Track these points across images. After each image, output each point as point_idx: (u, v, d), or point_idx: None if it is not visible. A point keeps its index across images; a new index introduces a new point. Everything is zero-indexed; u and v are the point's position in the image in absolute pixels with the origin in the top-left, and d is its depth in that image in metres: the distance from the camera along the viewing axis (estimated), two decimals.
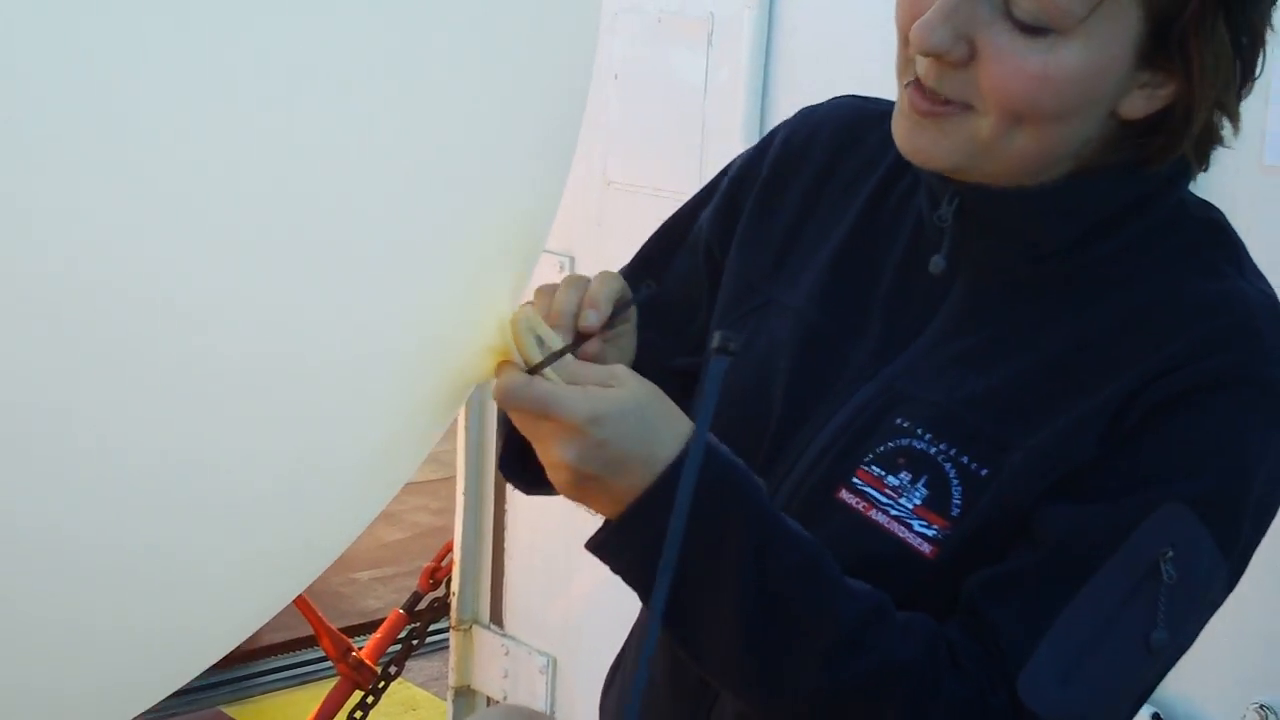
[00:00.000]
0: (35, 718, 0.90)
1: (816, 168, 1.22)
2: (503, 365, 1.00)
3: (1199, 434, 1.00)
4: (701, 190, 1.34)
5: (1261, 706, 1.90)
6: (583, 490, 0.99)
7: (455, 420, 3.36)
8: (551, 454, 0.98)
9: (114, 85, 0.68)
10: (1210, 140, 1.05)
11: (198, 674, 1.07)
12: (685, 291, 1.30)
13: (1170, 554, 0.97)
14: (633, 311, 1.18)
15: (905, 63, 1.05)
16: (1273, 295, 1.04)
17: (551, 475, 1.00)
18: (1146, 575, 0.98)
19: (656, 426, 0.99)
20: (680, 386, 1.26)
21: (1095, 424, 1.01)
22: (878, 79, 2.47)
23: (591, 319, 1.07)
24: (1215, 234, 1.07)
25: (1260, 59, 1.03)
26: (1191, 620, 1.02)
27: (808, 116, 1.28)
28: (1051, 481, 1.02)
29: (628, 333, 1.19)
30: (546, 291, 1.10)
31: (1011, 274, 1.07)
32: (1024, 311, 1.07)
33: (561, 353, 1.02)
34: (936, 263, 1.09)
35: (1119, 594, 0.99)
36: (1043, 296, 1.06)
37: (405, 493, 5.09)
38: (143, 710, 1.03)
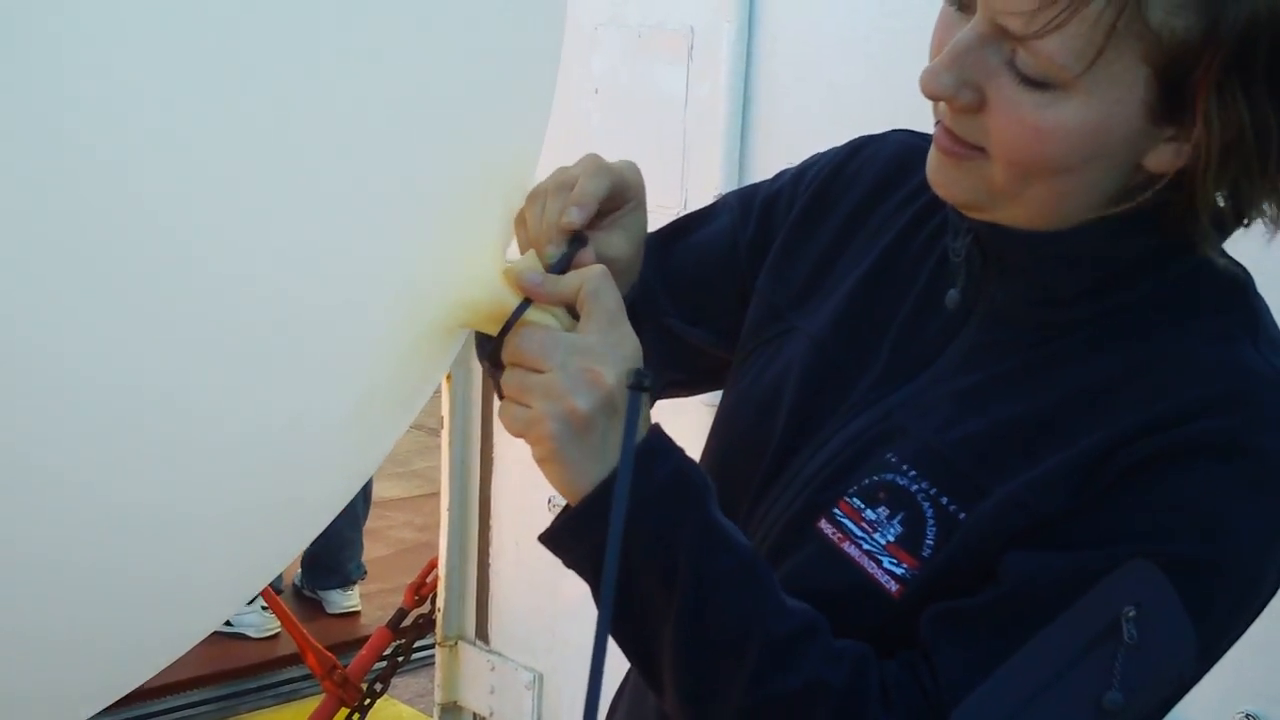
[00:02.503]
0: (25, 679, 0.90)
1: (858, 200, 1.21)
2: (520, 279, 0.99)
3: (1179, 496, 0.96)
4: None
5: (1247, 716, 1.90)
6: (585, 429, 0.96)
7: (440, 436, 3.36)
8: (593, 373, 0.95)
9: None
10: (1247, 201, 1.00)
11: (199, 637, 1.06)
12: (698, 263, 1.29)
13: (1133, 613, 0.93)
14: (640, 190, 1.16)
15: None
16: None
17: (570, 400, 0.95)
18: (1106, 632, 0.94)
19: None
20: (666, 342, 1.27)
21: (1070, 476, 0.98)
22: (856, 91, 2.48)
23: (574, 215, 1.05)
24: (1234, 297, 1.03)
25: None
26: (1150, 688, 0.96)
27: (862, 147, 1.25)
28: (1018, 530, 0.99)
29: (633, 210, 1.16)
30: (536, 198, 1.07)
31: (1024, 316, 1.06)
32: (1032, 355, 1.04)
33: (565, 259, 1.02)
34: (952, 296, 1.09)
35: (1074, 648, 0.95)
36: (1053, 341, 1.04)
37: (389, 509, 5.10)
38: (145, 677, 1.03)
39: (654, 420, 1.01)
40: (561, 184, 1.09)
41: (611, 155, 1.14)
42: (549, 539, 1.01)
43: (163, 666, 1.04)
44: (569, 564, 1.01)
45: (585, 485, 0.97)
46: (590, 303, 0.98)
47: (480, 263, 0.99)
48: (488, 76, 0.94)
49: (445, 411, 3.26)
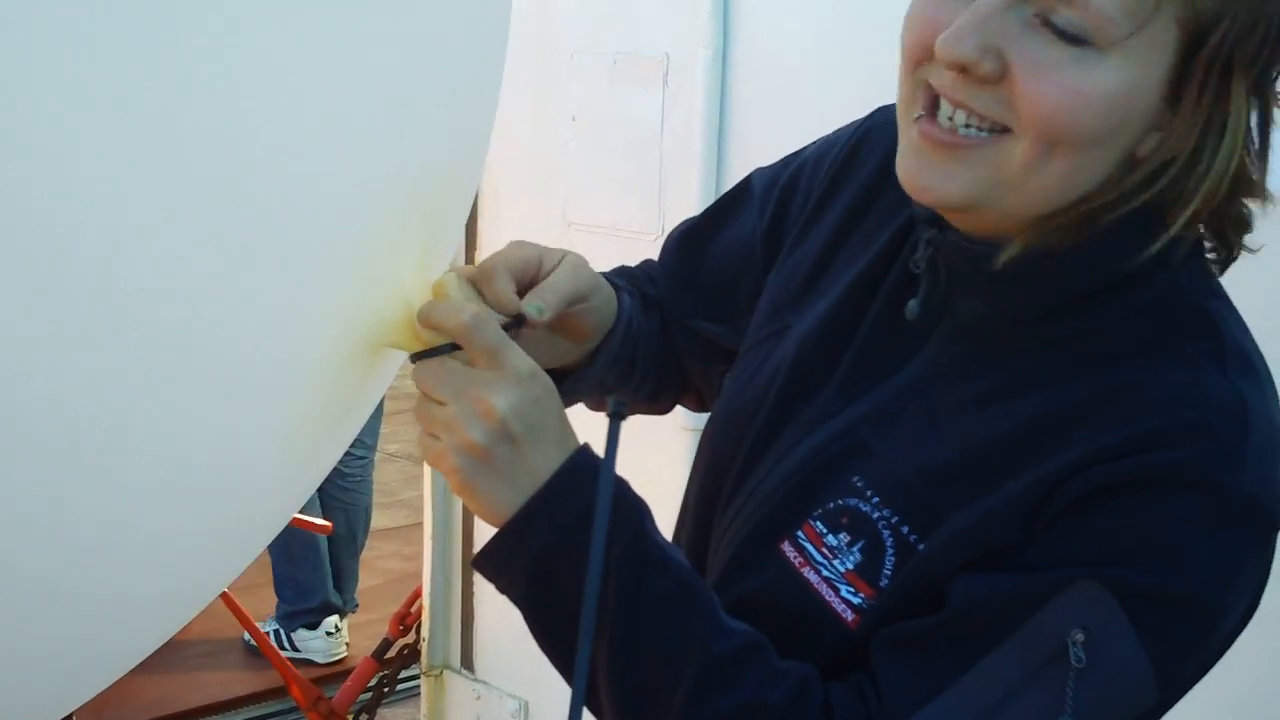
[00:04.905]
0: None
1: (859, 190, 1.17)
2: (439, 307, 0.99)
3: (1133, 524, 0.94)
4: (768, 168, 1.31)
5: None
6: (487, 460, 0.96)
7: (422, 464, 3.35)
8: (483, 404, 0.95)
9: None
10: (1229, 220, 0.99)
11: (150, 649, 1.06)
12: (724, 262, 1.28)
13: (1081, 637, 0.91)
14: (600, 296, 1.19)
15: (912, 94, 0.98)
16: (1248, 396, 0.96)
17: (465, 434, 0.96)
18: (1053, 656, 0.92)
19: (563, 415, 1.00)
20: (697, 342, 1.29)
21: (1024, 503, 0.96)
22: (832, 115, 2.50)
23: (533, 314, 1.07)
24: (1200, 324, 1.00)
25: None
26: (1103, 714, 0.94)
27: (870, 130, 1.20)
28: (971, 558, 0.97)
29: (588, 316, 1.19)
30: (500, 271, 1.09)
31: (988, 333, 1.03)
32: (999, 377, 1.02)
33: (513, 324, 1.04)
34: (911, 307, 1.07)
35: (1023, 671, 0.93)
36: (1020, 361, 1.01)
37: (377, 539, 5.05)
38: (112, 679, 1.03)
39: (584, 439, 1.01)
40: (527, 263, 1.11)
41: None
42: (480, 563, 1.00)
43: (102, 687, 1.04)
44: (501, 589, 1.01)
45: (503, 512, 0.98)
46: (469, 340, 0.97)
47: (402, 282, 0.99)
48: (418, 104, 0.94)
49: None
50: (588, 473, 0.97)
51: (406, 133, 0.94)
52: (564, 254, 1.15)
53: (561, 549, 0.96)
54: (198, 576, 1.02)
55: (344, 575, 4.58)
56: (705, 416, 1.25)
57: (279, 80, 0.81)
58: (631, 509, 0.99)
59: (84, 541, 0.85)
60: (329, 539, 4.30)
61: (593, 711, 1.02)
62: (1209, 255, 1.03)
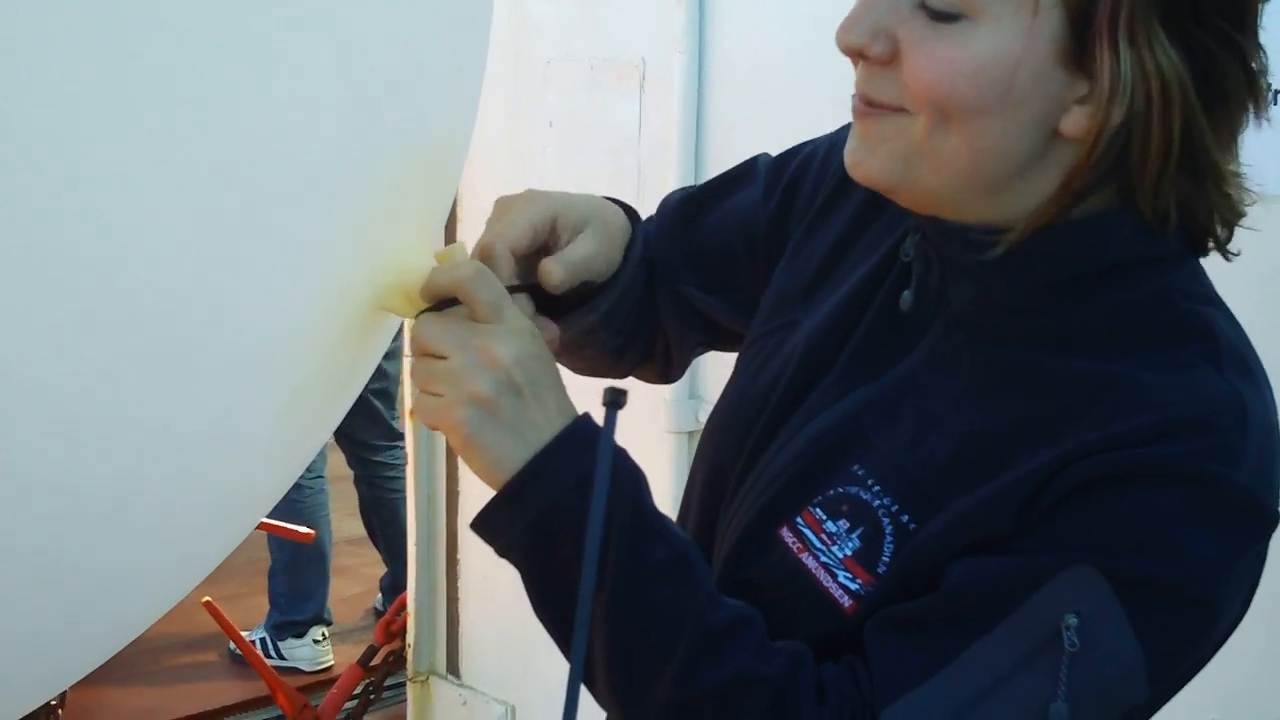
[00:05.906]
0: None
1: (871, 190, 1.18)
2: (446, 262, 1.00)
3: (1130, 516, 0.94)
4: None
5: None
6: (494, 411, 0.97)
7: (406, 470, 3.36)
8: (488, 354, 0.97)
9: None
10: (1197, 205, 0.98)
11: (141, 630, 1.06)
12: (722, 234, 1.29)
13: (1074, 621, 0.92)
14: (576, 222, 1.19)
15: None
16: (1247, 396, 0.96)
17: (472, 385, 0.97)
18: (1047, 640, 0.93)
19: (560, 377, 1.02)
20: (683, 308, 1.30)
21: (1018, 493, 0.96)
22: (808, 118, 2.51)
23: (556, 276, 1.10)
24: (1193, 329, 0.99)
25: (1247, 85, 0.95)
26: (1095, 702, 0.95)
27: None
28: (963, 546, 0.97)
29: (573, 241, 1.19)
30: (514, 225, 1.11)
31: (982, 322, 1.04)
32: (995, 367, 1.02)
33: (525, 287, 1.06)
34: (905, 298, 1.08)
35: (1016, 655, 0.94)
36: (1016, 352, 1.02)
37: (361, 546, 5.02)
38: (97, 662, 1.03)
39: (581, 414, 1.01)
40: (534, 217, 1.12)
41: (567, 186, 1.15)
42: (480, 524, 1.01)
43: (106, 657, 1.04)
44: (501, 551, 1.01)
45: (507, 467, 0.98)
46: (471, 294, 0.98)
47: (401, 248, 0.99)
48: (407, 69, 0.94)
49: (410, 447, 3.26)
50: (589, 438, 0.98)
51: (403, 101, 0.95)
52: (587, 217, 1.17)
53: (563, 510, 0.96)
54: (198, 546, 1.02)
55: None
56: (693, 417, 1.26)
57: (281, 53, 0.82)
58: (631, 478, 1.00)
59: (83, 513, 0.85)
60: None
61: (585, 684, 1.01)
62: (1201, 251, 1.03)
